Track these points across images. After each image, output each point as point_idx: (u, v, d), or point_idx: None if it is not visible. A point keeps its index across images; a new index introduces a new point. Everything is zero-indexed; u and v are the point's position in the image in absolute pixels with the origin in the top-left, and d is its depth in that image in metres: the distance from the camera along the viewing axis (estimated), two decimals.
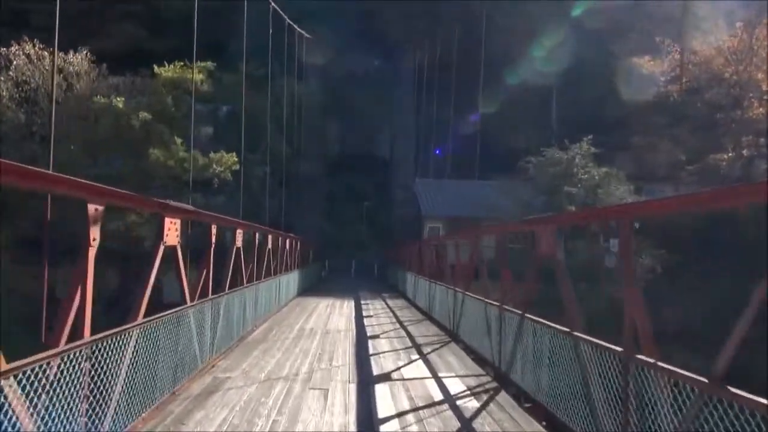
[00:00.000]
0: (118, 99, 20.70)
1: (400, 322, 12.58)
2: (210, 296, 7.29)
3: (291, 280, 16.72)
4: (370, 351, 8.88)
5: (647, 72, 35.17)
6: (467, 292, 9.62)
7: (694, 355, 8.21)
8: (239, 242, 8.87)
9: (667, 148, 33.43)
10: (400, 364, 7.90)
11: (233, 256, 8.68)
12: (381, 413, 5.46)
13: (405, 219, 34.85)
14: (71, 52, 24.78)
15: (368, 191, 40.60)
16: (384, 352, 8.78)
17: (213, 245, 7.49)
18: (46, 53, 23.19)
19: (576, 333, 4.91)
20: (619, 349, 4.11)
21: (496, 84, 40.67)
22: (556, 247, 5.90)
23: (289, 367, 7.47)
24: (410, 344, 9.59)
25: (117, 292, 26.31)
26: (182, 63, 23.52)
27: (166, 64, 24.00)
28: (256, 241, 10.77)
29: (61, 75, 24.38)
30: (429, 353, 8.76)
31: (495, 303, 7.74)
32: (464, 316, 9.61)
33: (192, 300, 6.50)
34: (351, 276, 34.71)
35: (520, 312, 6.45)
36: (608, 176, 28.29)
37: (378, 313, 14.71)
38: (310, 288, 22.70)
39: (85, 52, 25.10)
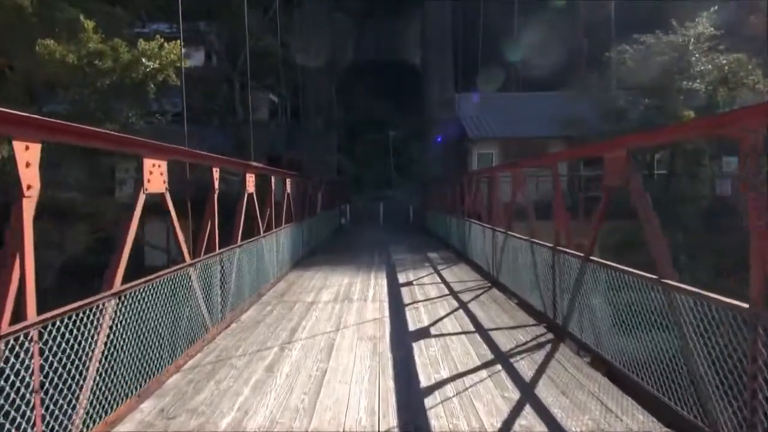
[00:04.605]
0: None
1: (513, 373, 4.98)
2: None
3: (271, 248, 9.25)
4: None
5: None
6: None
7: None
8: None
9: None
10: None
11: None
12: None
13: (445, 146, 26.82)
14: None
15: (394, 113, 32.31)
16: None
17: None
18: None
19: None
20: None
21: None
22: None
23: None
24: None
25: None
26: None
27: None
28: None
29: None
30: None
31: None
32: None
33: None
34: (379, 224, 27.17)
35: None
36: (740, 65, 19.65)
37: (436, 309, 7.19)
38: (320, 247, 15.30)
39: None
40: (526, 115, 24.71)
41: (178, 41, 12.51)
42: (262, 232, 8.75)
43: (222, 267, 6.42)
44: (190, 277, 5.35)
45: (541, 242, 6.72)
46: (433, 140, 28.22)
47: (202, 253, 6.13)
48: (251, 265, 7.83)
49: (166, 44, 12.60)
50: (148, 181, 4.44)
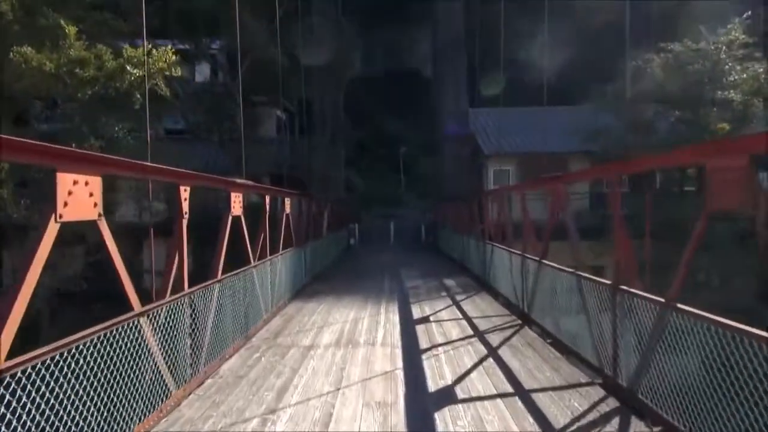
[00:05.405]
0: None
1: None
2: None
3: (264, 279, 7.97)
4: None
5: None
6: None
7: None
8: None
9: None
10: None
11: None
12: None
13: (458, 162, 25.55)
14: None
15: (404, 127, 31.08)
16: None
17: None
18: None
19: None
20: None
21: None
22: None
23: None
24: None
25: None
26: None
27: None
28: None
29: None
30: None
31: None
32: None
33: None
34: (390, 244, 25.83)
35: None
36: None
37: (460, 357, 5.85)
38: (326, 272, 14.06)
39: None
40: (544, 130, 23.36)
41: (167, 48, 11.44)
42: (253, 261, 7.48)
43: (193, 310, 5.13)
44: (141, 330, 4.06)
45: (594, 277, 5.36)
46: (445, 129, 26.55)
47: (168, 293, 4.87)
48: (237, 302, 6.54)
49: (154, 51, 11.50)
50: (65, 204, 3.18)
